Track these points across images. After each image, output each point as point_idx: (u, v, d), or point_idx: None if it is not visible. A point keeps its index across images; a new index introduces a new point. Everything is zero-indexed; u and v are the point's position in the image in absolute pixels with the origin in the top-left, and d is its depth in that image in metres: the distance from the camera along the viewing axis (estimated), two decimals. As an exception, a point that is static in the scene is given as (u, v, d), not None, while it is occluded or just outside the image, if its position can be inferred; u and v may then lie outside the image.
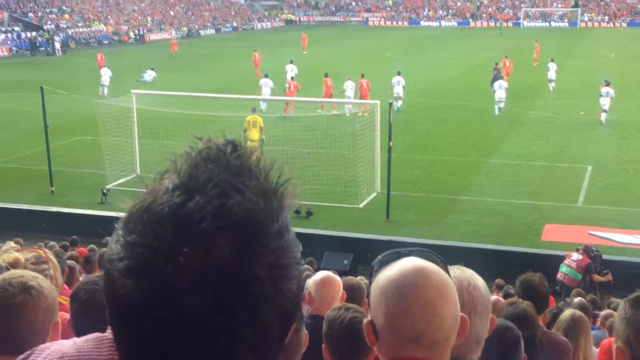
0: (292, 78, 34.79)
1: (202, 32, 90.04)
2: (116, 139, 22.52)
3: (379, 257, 1.83)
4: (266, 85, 33.15)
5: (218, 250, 0.95)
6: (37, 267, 3.51)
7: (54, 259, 4.21)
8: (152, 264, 0.96)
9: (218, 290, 0.95)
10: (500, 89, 32.20)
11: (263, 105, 30.30)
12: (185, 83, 40.61)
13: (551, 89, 38.17)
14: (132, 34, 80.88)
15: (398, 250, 1.83)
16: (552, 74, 38.61)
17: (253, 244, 0.98)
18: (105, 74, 38.78)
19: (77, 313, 3.52)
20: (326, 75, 34.02)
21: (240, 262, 0.96)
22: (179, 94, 27.39)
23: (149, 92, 26.09)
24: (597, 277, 14.24)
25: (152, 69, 45.02)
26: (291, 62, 39.61)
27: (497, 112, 31.98)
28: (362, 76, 32.72)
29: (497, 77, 38.25)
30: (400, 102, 32.25)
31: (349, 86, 32.37)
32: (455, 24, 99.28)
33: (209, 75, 46.29)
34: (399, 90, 32.65)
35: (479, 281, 2.42)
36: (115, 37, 79.80)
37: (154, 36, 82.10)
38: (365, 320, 1.80)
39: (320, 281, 5.05)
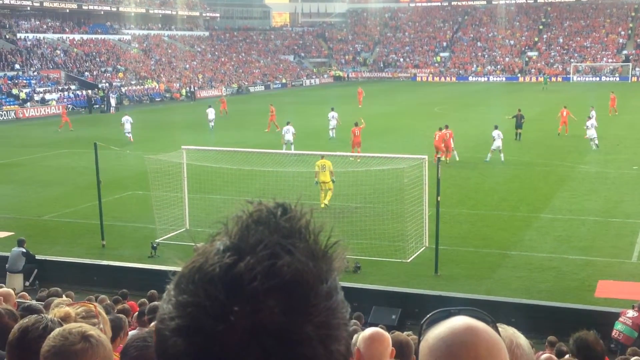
0: (356, 124, 35.83)
1: (251, 89, 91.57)
2: (166, 193, 22.87)
3: (428, 315, 1.81)
4: (288, 132, 36.63)
5: (268, 310, 0.97)
6: (87, 321, 3.57)
7: (104, 313, 4.26)
8: (203, 323, 0.98)
9: (268, 350, 0.96)
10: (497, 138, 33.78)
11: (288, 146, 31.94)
12: (233, 139, 41.22)
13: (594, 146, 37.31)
14: (183, 91, 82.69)
15: (448, 309, 1.81)
16: (592, 132, 37.13)
17: (303, 304, 0.99)
18: (127, 122, 43.47)
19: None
20: (356, 125, 35.25)
21: (290, 322, 0.97)
22: (228, 150, 27.78)
23: (198, 148, 26.52)
24: None
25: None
26: (332, 109, 43.77)
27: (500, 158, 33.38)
28: (446, 127, 34.35)
29: (519, 123, 38.94)
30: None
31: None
32: (504, 79, 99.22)
33: (257, 131, 46.88)
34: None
35: (522, 339, 2.38)
36: (167, 95, 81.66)
37: (204, 93, 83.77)
38: None
39: (369, 337, 5.01)
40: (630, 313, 14.05)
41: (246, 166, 24.80)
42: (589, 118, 38.24)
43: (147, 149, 36.00)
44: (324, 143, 39.00)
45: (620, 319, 14.07)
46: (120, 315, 7.61)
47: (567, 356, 6.55)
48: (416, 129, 44.52)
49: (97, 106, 68.60)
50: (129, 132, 43.26)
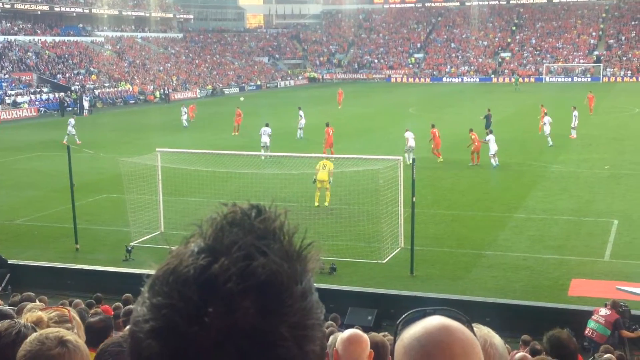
0: (328, 124, 36.38)
1: (226, 91, 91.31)
2: (140, 196, 22.73)
3: (404, 315, 1.82)
4: (264, 134, 36.13)
5: (243, 311, 0.97)
6: (60, 325, 3.53)
7: (77, 318, 4.23)
8: (178, 325, 0.98)
9: (243, 351, 0.96)
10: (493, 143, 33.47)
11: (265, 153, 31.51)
12: (208, 141, 41.09)
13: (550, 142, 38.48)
14: (157, 94, 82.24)
15: (423, 310, 1.82)
16: (547, 128, 39.02)
17: (277, 305, 0.99)
18: (70, 124, 43.56)
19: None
20: (327, 125, 35.87)
21: (265, 323, 0.97)
22: (203, 152, 27.66)
23: (173, 150, 26.38)
24: (625, 333, 13.95)
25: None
26: (299, 108, 44.97)
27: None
28: (433, 126, 35.31)
29: (488, 123, 39.27)
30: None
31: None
32: (477, 79, 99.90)
33: (231, 134, 46.73)
34: (412, 143, 33.71)
35: (496, 339, 2.40)
36: (141, 97, 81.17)
37: (179, 95, 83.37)
38: None
39: (347, 339, 5.03)
40: (603, 311, 14.20)
41: (221, 168, 24.73)
42: (545, 115, 39.90)
43: (121, 151, 35.75)
44: (300, 144, 38.96)
45: (593, 317, 14.22)
46: (108, 315, 7.54)
47: (541, 355, 6.59)
48: (391, 130, 44.59)
49: (70, 109, 67.99)
50: (73, 134, 43.06)
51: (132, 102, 78.97)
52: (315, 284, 1.09)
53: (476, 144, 33.40)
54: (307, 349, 1.01)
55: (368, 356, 4.92)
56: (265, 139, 35.86)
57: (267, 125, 36.95)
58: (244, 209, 1.08)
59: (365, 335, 5.13)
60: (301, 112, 44.33)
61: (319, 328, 1.04)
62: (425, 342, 1.69)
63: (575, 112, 40.95)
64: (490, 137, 33.51)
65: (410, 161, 28.78)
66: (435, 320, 1.75)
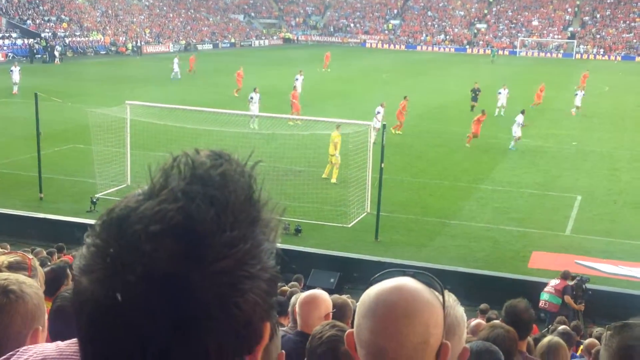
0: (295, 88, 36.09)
1: (199, 47, 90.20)
2: (108, 148, 22.51)
3: (381, 272, 1.84)
4: (253, 101, 33.70)
5: (149, 253, 0.94)
6: (13, 272, 3.45)
7: (38, 266, 4.19)
8: (93, 265, 0.97)
9: (147, 294, 0.93)
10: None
11: (253, 123, 30.30)
12: (179, 96, 40.67)
13: (498, 112, 39.48)
14: (129, 46, 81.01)
15: (402, 270, 1.84)
16: (503, 99, 40.27)
17: (192, 251, 0.95)
18: (15, 71, 43.01)
19: (51, 319, 3.52)
20: (294, 88, 35.99)
21: (174, 268, 0.94)
22: (173, 107, 27.37)
23: (143, 104, 26.06)
24: (569, 299, 14.25)
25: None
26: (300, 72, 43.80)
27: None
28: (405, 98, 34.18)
29: (475, 97, 39.44)
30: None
31: None
32: (452, 49, 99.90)
33: (204, 90, 46.36)
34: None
35: (458, 311, 2.42)
36: (113, 48, 79.91)
37: (151, 49, 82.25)
38: (347, 332, 1.82)
39: (303, 299, 5.09)
40: (554, 281, 14.52)
41: (191, 124, 24.51)
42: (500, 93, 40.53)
43: (90, 102, 35.23)
44: (274, 104, 38.71)
45: (546, 289, 14.53)
46: (64, 263, 7.47)
47: (496, 321, 6.72)
48: (363, 95, 44.52)
49: (39, 56, 66.76)
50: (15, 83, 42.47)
51: (103, 52, 77.77)
52: (277, 244, 1.06)
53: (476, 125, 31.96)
54: (230, 301, 0.96)
55: (325, 317, 4.98)
56: (254, 108, 32.74)
57: (255, 90, 34.48)
58: (191, 155, 1.05)
59: (322, 297, 5.18)
60: (298, 76, 43.28)
61: (250, 281, 0.98)
62: (375, 298, 1.73)
63: (581, 92, 41.53)
64: (520, 118, 31.49)
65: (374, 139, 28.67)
66: (396, 281, 1.77)
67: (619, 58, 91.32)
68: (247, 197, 1.02)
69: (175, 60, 54.10)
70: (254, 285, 0.99)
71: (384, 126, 20.64)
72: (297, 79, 42.81)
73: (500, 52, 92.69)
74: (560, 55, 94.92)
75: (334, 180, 23.49)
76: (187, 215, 0.96)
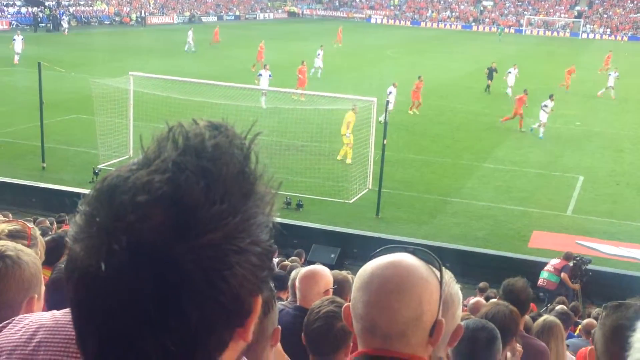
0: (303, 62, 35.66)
1: (204, 19, 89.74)
2: (111, 119, 22.48)
3: (383, 247, 1.85)
4: (262, 77, 32.78)
5: (135, 225, 0.93)
6: (12, 240, 3.45)
7: (39, 235, 4.19)
8: (82, 233, 0.97)
9: (132, 267, 0.92)
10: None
11: (263, 101, 29.91)
12: (183, 69, 40.53)
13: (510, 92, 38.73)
14: (133, 16, 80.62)
15: (402, 247, 1.84)
16: (512, 79, 39.70)
17: (178, 223, 0.93)
18: (18, 40, 42.57)
19: (49, 289, 3.53)
20: (302, 63, 35.38)
21: (161, 239, 0.92)
22: (177, 79, 27.25)
23: (147, 75, 25.99)
24: (565, 277, 14.30)
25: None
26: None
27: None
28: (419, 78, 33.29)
29: (491, 75, 39.07)
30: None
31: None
32: (458, 26, 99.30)
33: (209, 63, 46.17)
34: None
35: (453, 288, 2.42)
36: (117, 18, 79.53)
37: (155, 19, 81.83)
38: (344, 305, 1.84)
39: (303, 274, 5.11)
40: (554, 261, 14.59)
41: (195, 97, 24.45)
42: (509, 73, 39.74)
43: (94, 72, 35.11)
44: (280, 78, 38.61)
45: (546, 267, 14.60)
46: (65, 233, 7.49)
47: (494, 300, 6.75)
48: (367, 71, 44.36)
49: (43, 25, 66.46)
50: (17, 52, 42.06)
51: (108, 22, 77.39)
52: (273, 218, 1.04)
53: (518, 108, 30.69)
54: (216, 274, 0.94)
55: (326, 292, 5.01)
56: (264, 83, 31.64)
57: (265, 67, 33.55)
58: (186, 126, 1.03)
59: (323, 272, 5.20)
60: (320, 52, 43.20)
61: (238, 255, 0.96)
62: (371, 272, 1.75)
63: (615, 73, 41.13)
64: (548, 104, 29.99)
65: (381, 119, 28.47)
66: (393, 257, 1.78)
67: (625, 38, 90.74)
68: (240, 170, 1.00)
69: (190, 32, 53.34)
70: (243, 259, 0.97)
71: (387, 103, 20.57)
72: (318, 54, 42.69)
73: (507, 30, 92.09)
74: (567, 34, 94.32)
75: (349, 160, 22.97)
76: (175, 186, 0.95)
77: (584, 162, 25.64)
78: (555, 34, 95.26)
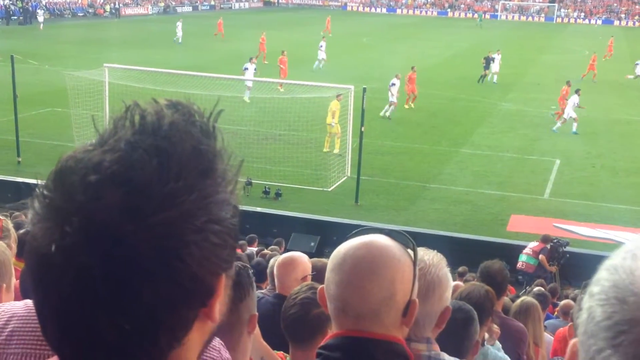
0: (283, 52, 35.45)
1: (179, 9, 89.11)
2: (86, 112, 22.28)
3: (358, 229, 1.86)
4: (247, 72, 31.83)
5: (85, 206, 0.92)
6: None
7: (11, 228, 4.17)
8: (38, 215, 0.97)
9: (83, 248, 0.91)
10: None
11: (247, 95, 29.60)
12: (159, 60, 40.26)
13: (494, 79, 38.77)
14: (107, 7, 79.88)
15: (377, 228, 1.85)
16: (496, 66, 39.28)
17: (129, 202, 0.92)
18: None
19: (21, 278, 3.52)
20: (282, 53, 35.13)
21: (112, 219, 0.91)
22: (153, 70, 27.04)
23: (122, 67, 25.79)
24: (543, 259, 14.46)
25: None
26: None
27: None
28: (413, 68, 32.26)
29: (488, 64, 38.65)
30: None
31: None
32: (434, 13, 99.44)
33: (184, 53, 45.90)
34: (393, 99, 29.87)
35: (441, 270, 2.43)
36: (91, 10, 78.77)
37: (129, 10, 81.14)
38: (320, 287, 1.84)
39: (280, 262, 5.11)
40: (532, 244, 14.74)
41: (171, 88, 24.29)
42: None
43: (68, 65, 34.81)
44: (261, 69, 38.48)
45: (524, 250, 14.75)
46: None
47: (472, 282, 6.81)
48: (343, 58, 44.32)
49: (15, 18, 65.66)
50: None
51: (81, 14, 76.62)
52: (235, 196, 1.02)
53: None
54: (170, 254, 0.93)
55: (303, 279, 5.01)
56: (249, 83, 30.23)
57: (251, 60, 32.56)
58: (143, 105, 1.02)
59: (300, 259, 5.20)
60: (322, 44, 42.69)
61: (195, 234, 0.94)
62: (344, 253, 1.76)
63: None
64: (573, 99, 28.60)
65: (388, 113, 28.54)
66: (366, 237, 1.79)
67: (599, 22, 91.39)
68: (196, 148, 0.98)
69: (178, 23, 52.78)
70: (201, 238, 0.95)
71: (363, 89, 20.58)
72: (321, 46, 42.33)
73: (484, 15, 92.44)
74: (542, 19, 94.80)
75: (336, 150, 22.75)
76: (126, 165, 0.93)
77: (559, 145, 25.84)
78: (530, 18, 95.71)
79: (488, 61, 39.64)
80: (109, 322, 0.93)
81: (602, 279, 0.75)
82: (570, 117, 28.03)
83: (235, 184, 1.03)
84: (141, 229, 0.92)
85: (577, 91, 28.85)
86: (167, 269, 0.93)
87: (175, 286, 0.94)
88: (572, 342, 0.92)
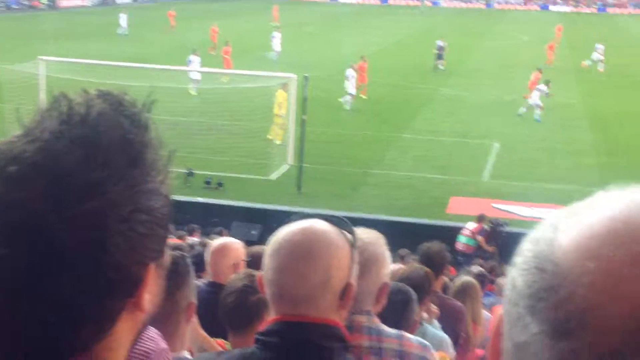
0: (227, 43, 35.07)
1: (118, 1, 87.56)
2: (22, 107, 21.70)
3: (294, 216, 1.89)
4: (193, 63, 31.17)
5: (5, 198, 0.92)
6: None
7: None
8: None
9: (6, 242, 0.91)
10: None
11: (194, 87, 29.28)
12: (101, 52, 39.55)
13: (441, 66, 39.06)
14: None
15: (319, 214, 1.88)
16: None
17: (50, 193, 0.91)
18: None
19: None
20: (227, 43, 35.19)
21: (32, 211, 0.91)
22: (91, 62, 26.51)
23: (58, 59, 25.28)
24: (481, 239, 14.78)
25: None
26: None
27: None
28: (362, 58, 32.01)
29: (441, 56, 38.62)
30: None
31: None
32: (375, 1, 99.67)
33: (128, 45, 45.20)
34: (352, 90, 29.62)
35: (379, 248, 2.49)
36: (26, 2, 76.88)
37: (66, 2, 79.35)
38: (258, 274, 1.87)
39: (214, 248, 5.09)
40: (470, 224, 15.02)
41: (110, 80, 23.91)
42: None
43: (3, 59, 33.96)
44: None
45: (462, 231, 15.01)
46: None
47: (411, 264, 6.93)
48: (286, 48, 44.14)
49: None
50: None
51: (16, 7, 74.75)
52: (165, 185, 1.01)
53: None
54: (93, 244, 0.92)
55: (236, 265, 5.01)
56: (196, 76, 29.51)
57: (195, 52, 31.68)
58: (71, 96, 1.01)
59: (233, 245, 5.18)
60: (276, 34, 41.95)
61: (120, 224, 0.94)
62: (281, 238, 1.81)
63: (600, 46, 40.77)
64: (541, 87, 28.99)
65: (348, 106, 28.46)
66: (304, 223, 1.83)
67: (537, 8, 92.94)
68: (124, 137, 0.97)
69: (122, 15, 51.55)
70: (126, 228, 0.94)
71: (305, 78, 20.59)
72: (273, 37, 41.66)
73: (426, 1, 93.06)
74: (482, 6, 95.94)
75: (279, 141, 22.68)
76: (48, 155, 0.93)
77: (498, 128, 26.27)
78: (470, 4, 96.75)
79: (439, 50, 39.46)
80: (32, 314, 0.93)
81: (524, 250, 0.78)
82: (537, 104, 28.31)
83: (167, 174, 1.03)
84: (63, 219, 0.91)
85: (547, 81, 29.26)
86: (90, 259, 0.93)
87: (100, 276, 0.94)
88: (498, 312, 0.99)
